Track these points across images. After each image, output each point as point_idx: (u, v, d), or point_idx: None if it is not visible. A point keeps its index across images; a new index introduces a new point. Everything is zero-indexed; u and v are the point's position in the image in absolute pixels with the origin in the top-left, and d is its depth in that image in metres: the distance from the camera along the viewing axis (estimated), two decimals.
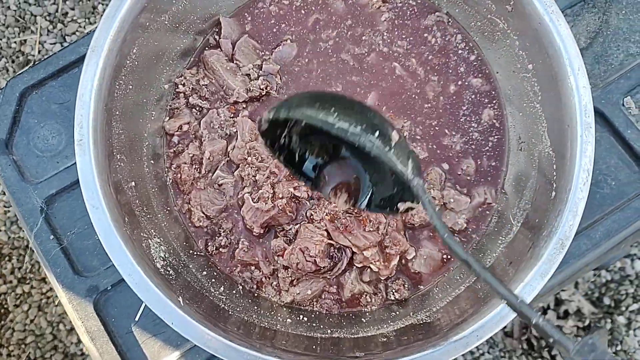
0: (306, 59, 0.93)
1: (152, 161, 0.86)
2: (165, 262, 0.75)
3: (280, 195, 0.83)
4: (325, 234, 0.83)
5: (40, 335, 1.65)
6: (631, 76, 0.97)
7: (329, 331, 0.79)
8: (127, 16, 0.75)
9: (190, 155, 0.88)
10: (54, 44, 1.66)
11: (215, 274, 0.84)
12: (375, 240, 0.82)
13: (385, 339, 0.75)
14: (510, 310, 0.70)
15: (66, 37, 1.68)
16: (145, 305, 0.91)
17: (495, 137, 0.91)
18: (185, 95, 0.90)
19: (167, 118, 0.90)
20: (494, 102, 0.91)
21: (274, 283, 0.86)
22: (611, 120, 0.96)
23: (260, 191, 0.84)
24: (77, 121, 0.71)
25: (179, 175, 0.88)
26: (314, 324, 0.81)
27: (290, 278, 0.84)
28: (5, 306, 1.69)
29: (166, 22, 0.84)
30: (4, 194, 1.55)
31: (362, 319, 0.82)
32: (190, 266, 0.81)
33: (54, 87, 0.97)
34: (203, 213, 0.86)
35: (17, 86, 0.95)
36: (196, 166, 0.88)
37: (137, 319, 0.90)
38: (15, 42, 1.68)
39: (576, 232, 0.80)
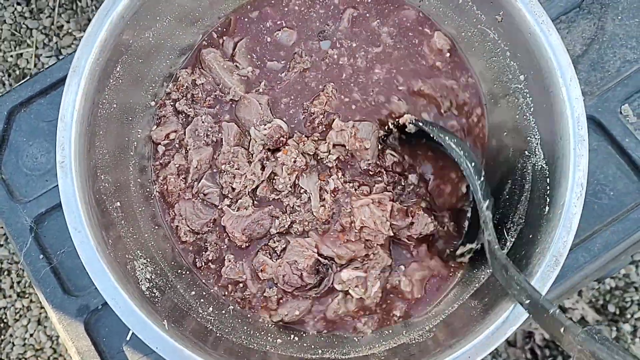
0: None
1: (138, 180, 0.85)
2: (151, 284, 0.74)
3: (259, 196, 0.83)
4: (316, 250, 0.82)
5: (40, 349, 1.65)
6: (628, 83, 0.95)
7: (319, 351, 0.77)
8: (110, 35, 0.74)
9: (177, 165, 0.86)
10: (50, 56, 1.66)
11: (204, 293, 0.82)
12: (358, 250, 0.81)
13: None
14: (508, 325, 0.69)
15: (62, 49, 1.67)
16: None
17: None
18: (173, 100, 0.89)
19: (155, 127, 0.89)
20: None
21: (264, 303, 0.84)
22: (608, 128, 0.94)
23: (240, 201, 0.83)
24: (59, 143, 0.70)
25: (165, 186, 0.86)
26: (304, 344, 0.79)
27: (277, 296, 0.82)
28: (5, 320, 1.68)
29: (150, 39, 0.82)
30: None
31: (354, 339, 0.81)
32: (178, 286, 0.79)
33: (42, 105, 0.96)
34: (188, 227, 0.85)
35: (5, 104, 0.95)
36: (182, 177, 0.87)
37: (128, 338, 0.89)
38: (11, 56, 1.68)
39: (574, 244, 0.77)
